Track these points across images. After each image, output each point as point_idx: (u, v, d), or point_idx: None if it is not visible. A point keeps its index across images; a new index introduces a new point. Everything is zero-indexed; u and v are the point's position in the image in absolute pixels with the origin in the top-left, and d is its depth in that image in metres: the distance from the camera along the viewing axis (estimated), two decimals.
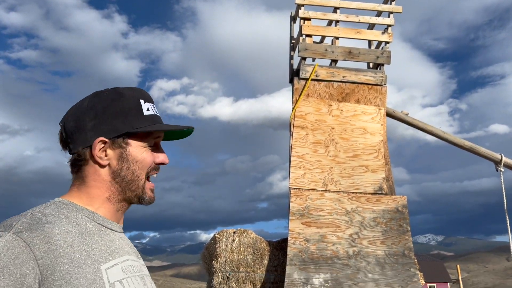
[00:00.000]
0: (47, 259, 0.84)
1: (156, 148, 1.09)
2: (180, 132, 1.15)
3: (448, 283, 38.36)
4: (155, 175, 1.09)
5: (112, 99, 1.04)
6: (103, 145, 1.02)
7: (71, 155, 1.05)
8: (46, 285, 0.83)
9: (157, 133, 1.08)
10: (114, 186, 1.04)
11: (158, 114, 1.10)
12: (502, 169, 4.51)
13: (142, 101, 1.06)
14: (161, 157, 1.09)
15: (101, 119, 1.02)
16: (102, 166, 1.03)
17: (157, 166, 1.09)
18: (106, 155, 1.02)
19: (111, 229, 1.04)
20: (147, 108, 1.06)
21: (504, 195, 4.57)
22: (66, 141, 1.05)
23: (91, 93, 1.09)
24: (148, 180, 1.08)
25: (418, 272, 3.62)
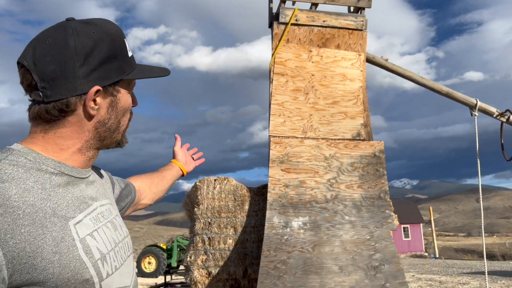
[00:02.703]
0: (4, 223, 0.76)
1: None
2: None
3: (421, 224, 40.56)
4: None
5: (100, 39, 0.92)
6: (96, 95, 0.93)
7: (41, 102, 0.90)
8: (7, 249, 0.75)
9: None
10: (91, 136, 0.96)
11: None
12: (477, 114, 4.61)
13: (126, 40, 0.98)
14: (135, 100, 1.04)
15: (93, 64, 0.90)
16: (89, 117, 0.94)
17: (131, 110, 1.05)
18: (96, 105, 0.94)
19: (80, 177, 0.96)
20: (129, 48, 0.99)
21: (477, 139, 4.71)
22: (36, 86, 0.89)
23: (59, 24, 0.92)
24: None
25: (392, 213, 3.78)
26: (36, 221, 0.80)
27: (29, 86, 0.90)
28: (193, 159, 1.85)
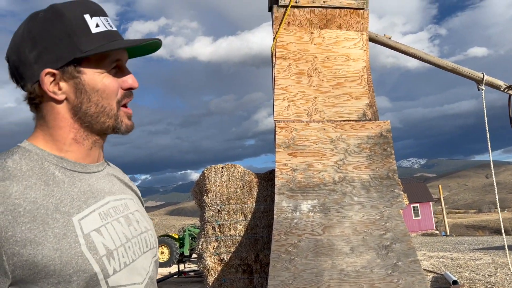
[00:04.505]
0: (5, 221, 0.76)
1: (120, 72, 0.95)
2: (145, 48, 0.99)
3: (431, 202, 40.49)
4: (128, 102, 0.97)
5: (49, 20, 0.87)
6: (52, 78, 0.88)
7: (25, 92, 0.90)
8: (7, 246, 0.76)
9: (118, 54, 0.92)
10: (77, 124, 0.92)
11: (113, 29, 0.93)
12: (483, 88, 4.55)
13: (87, 16, 0.89)
14: (129, 81, 0.95)
15: (41, 47, 0.86)
16: (59, 102, 0.90)
17: (128, 92, 0.96)
18: (60, 89, 0.89)
19: (87, 172, 0.93)
20: (96, 24, 0.89)
21: (485, 114, 4.65)
22: (15, 77, 0.90)
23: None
24: (125, 107, 0.96)
25: (401, 192, 3.76)
26: (37, 218, 0.79)
27: (13, 78, 0.91)
28: None
